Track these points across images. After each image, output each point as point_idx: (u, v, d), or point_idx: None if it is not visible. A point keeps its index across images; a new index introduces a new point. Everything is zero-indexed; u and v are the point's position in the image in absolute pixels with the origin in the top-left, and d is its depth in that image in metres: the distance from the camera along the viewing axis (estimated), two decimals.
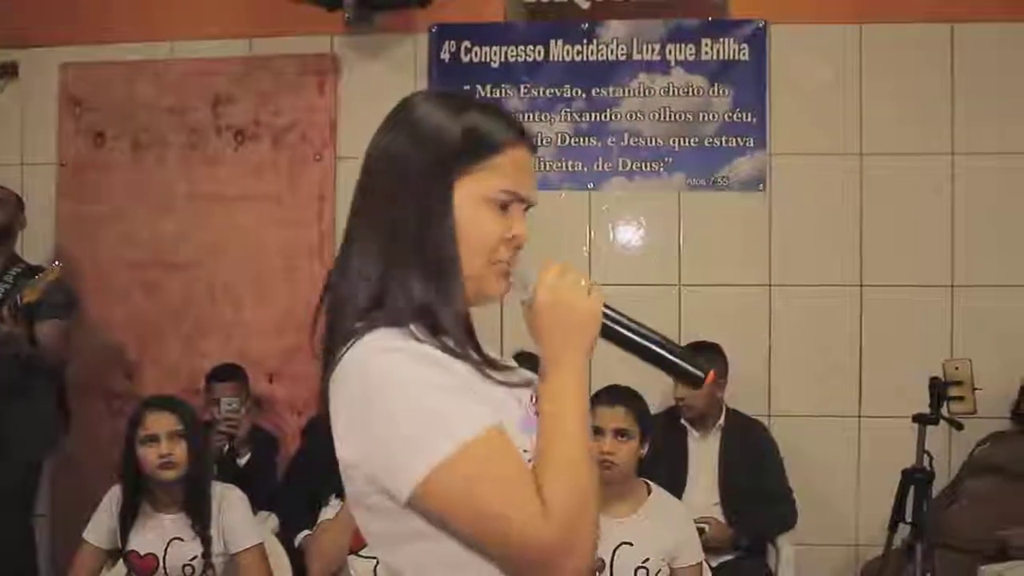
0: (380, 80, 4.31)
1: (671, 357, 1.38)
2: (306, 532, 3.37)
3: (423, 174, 1.31)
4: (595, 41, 4.25)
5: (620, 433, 2.98)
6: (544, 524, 1.20)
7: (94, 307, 4.46)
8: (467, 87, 4.26)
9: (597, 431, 3.00)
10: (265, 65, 4.40)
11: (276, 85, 4.37)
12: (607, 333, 1.36)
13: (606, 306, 1.35)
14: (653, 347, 1.38)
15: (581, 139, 4.24)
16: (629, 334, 1.37)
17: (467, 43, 4.29)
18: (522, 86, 4.24)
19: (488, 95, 4.25)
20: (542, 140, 4.22)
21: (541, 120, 4.23)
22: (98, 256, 4.49)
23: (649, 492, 3.04)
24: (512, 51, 4.27)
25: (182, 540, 2.95)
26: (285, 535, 3.51)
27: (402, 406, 1.22)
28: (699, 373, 1.39)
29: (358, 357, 1.26)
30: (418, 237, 1.30)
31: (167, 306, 4.44)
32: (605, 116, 4.23)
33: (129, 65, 4.50)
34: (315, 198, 4.32)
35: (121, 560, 2.99)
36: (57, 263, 3.87)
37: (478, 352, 1.32)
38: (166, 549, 2.94)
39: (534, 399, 1.35)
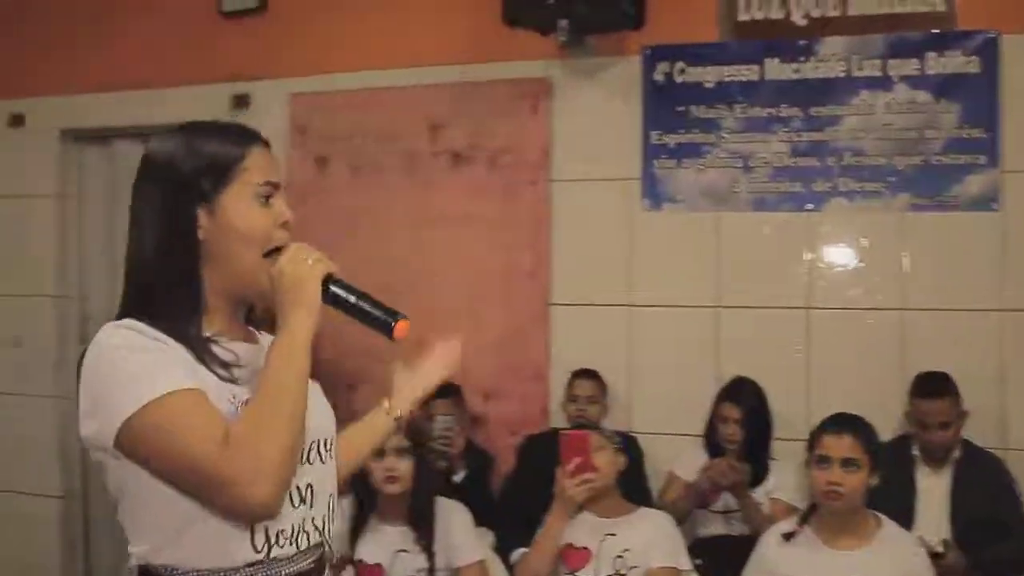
0: (593, 103, 4.35)
1: (371, 310, 1.59)
2: (522, 550, 3.41)
3: (176, 197, 1.55)
4: (812, 58, 4.13)
5: (848, 463, 2.90)
6: (225, 455, 1.38)
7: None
8: (681, 108, 4.23)
9: (824, 460, 2.93)
10: (480, 90, 4.49)
11: (491, 109, 4.46)
12: (330, 300, 1.57)
13: (331, 276, 1.56)
14: (357, 303, 1.59)
15: (799, 159, 4.13)
16: (342, 296, 1.58)
17: (681, 64, 4.26)
18: (737, 106, 4.17)
19: (702, 116, 4.21)
20: (759, 161, 4.14)
21: (757, 141, 4.15)
22: None
23: (879, 524, 2.93)
24: (727, 71, 4.21)
25: (407, 552, 3.03)
26: (501, 552, 3.56)
27: (113, 367, 1.45)
28: (390, 321, 1.58)
29: (93, 341, 1.50)
30: (164, 258, 1.55)
31: None
32: (824, 135, 4.11)
33: (351, 93, 4.68)
34: (531, 221, 4.37)
35: (350, 567, 3.08)
36: None
37: (204, 347, 1.53)
38: (392, 560, 3.02)
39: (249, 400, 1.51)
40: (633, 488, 3.51)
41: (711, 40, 4.25)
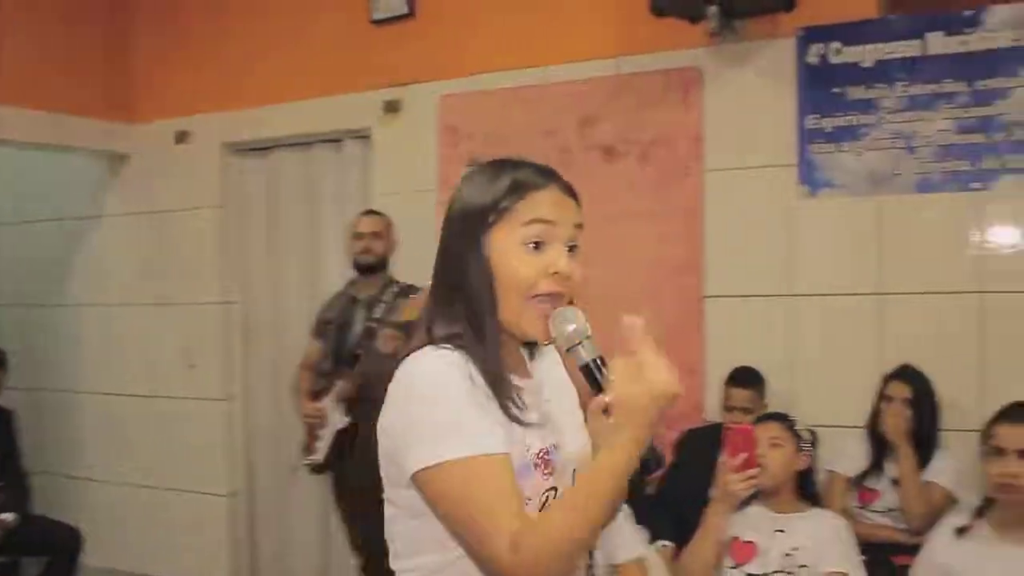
0: (745, 89, 4.25)
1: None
2: (663, 542, 3.56)
3: (460, 230, 1.56)
4: (979, 29, 3.92)
5: None
6: (508, 553, 1.35)
7: None
8: (837, 90, 4.08)
9: (999, 451, 2.87)
10: (629, 83, 4.45)
11: (641, 102, 4.41)
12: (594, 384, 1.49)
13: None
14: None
15: (965, 136, 3.93)
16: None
17: (836, 44, 4.11)
18: (898, 84, 4.00)
19: (861, 97, 4.05)
20: (922, 140, 3.96)
21: (920, 120, 3.97)
22: None
23: None
24: (886, 48, 4.03)
25: None
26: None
27: (426, 405, 1.45)
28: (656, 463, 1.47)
29: (415, 358, 1.51)
30: (459, 285, 1.54)
31: None
32: (992, 110, 3.89)
33: (501, 92, 4.71)
34: (684, 212, 4.30)
35: None
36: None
37: (505, 388, 1.51)
38: None
39: (542, 451, 1.53)
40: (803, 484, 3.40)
41: (868, 17, 4.09)
